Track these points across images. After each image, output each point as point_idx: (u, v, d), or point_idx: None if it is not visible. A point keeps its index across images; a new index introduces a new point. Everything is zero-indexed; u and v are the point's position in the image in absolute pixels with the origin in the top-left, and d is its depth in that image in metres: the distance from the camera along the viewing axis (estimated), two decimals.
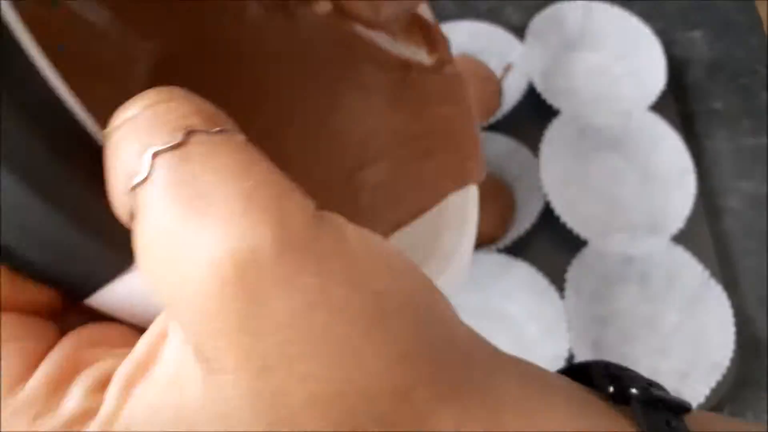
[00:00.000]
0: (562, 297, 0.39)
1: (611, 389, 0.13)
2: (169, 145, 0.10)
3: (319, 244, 0.10)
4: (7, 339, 0.12)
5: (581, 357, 0.37)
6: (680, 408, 0.13)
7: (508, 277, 0.40)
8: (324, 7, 0.23)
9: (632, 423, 0.13)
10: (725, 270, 0.42)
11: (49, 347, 0.12)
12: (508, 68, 0.48)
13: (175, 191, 0.10)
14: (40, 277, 0.12)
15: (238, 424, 0.10)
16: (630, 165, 0.45)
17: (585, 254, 0.40)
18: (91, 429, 0.11)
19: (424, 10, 0.25)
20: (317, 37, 0.23)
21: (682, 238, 0.40)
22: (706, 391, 0.36)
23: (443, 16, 0.52)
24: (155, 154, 0.10)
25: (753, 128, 0.47)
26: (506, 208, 0.44)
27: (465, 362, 0.11)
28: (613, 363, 0.15)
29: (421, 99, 0.24)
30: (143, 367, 0.11)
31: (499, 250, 0.41)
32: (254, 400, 0.10)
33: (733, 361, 0.37)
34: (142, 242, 0.11)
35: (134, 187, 0.10)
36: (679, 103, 0.48)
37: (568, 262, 0.39)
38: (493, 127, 0.45)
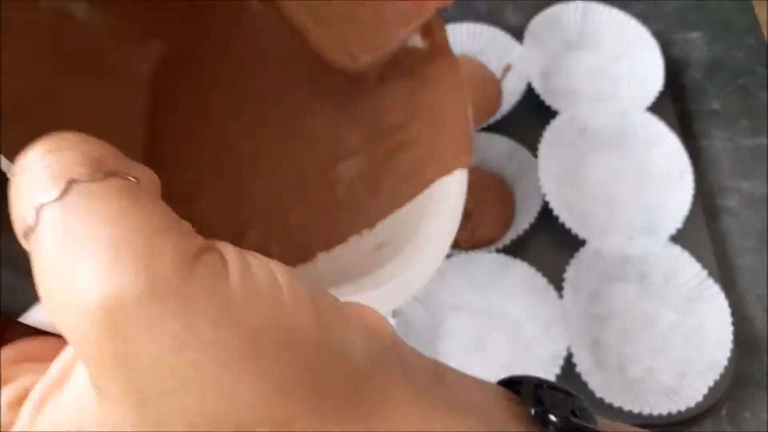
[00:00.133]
0: (561, 296, 0.39)
1: (533, 411, 0.14)
2: (51, 199, 0.11)
3: (189, 287, 0.11)
4: None
5: (580, 356, 0.37)
6: None
7: (507, 277, 0.40)
8: None
9: None
10: (723, 269, 0.42)
11: None
12: (507, 69, 0.48)
13: (56, 242, 0.11)
14: None
15: None
16: (628, 165, 0.45)
17: (583, 254, 0.40)
18: None
19: None
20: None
21: (680, 237, 0.40)
22: (704, 390, 0.36)
23: (443, 18, 0.53)
24: (39, 208, 0.11)
25: (751, 128, 0.48)
26: (506, 209, 0.44)
27: (358, 391, 0.12)
28: (548, 382, 0.15)
29: (407, 85, 0.24)
30: (56, 385, 0.12)
31: (498, 250, 0.41)
32: (139, 426, 0.11)
33: (731, 360, 0.37)
34: (36, 280, 0.11)
35: (26, 235, 0.11)
36: (677, 104, 0.48)
37: (566, 262, 0.40)
38: (493, 128, 0.45)
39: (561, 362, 0.37)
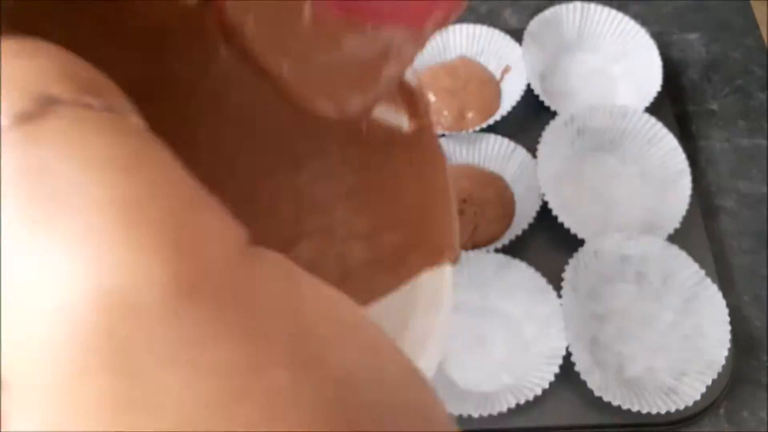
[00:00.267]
0: (560, 296, 0.39)
1: None
2: (14, 117, 0.07)
3: (245, 285, 0.07)
4: None
5: (578, 355, 0.37)
6: None
7: (506, 277, 0.41)
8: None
9: None
10: (721, 269, 0.42)
11: None
12: (506, 70, 0.48)
13: (17, 183, 0.07)
14: None
15: None
16: (626, 165, 0.45)
17: (582, 253, 0.40)
18: None
19: (407, 73, 0.22)
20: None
21: (678, 237, 0.40)
22: (702, 389, 0.37)
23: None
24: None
25: (749, 129, 0.48)
26: (506, 208, 0.44)
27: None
28: None
29: (390, 168, 0.22)
30: None
31: (497, 250, 0.41)
32: None
33: (729, 359, 0.37)
34: None
35: None
36: (675, 105, 0.48)
37: (565, 262, 0.40)
38: (492, 129, 0.45)
39: (560, 361, 0.37)
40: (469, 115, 0.47)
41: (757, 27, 0.51)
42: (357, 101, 0.18)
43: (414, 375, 0.08)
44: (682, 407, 0.36)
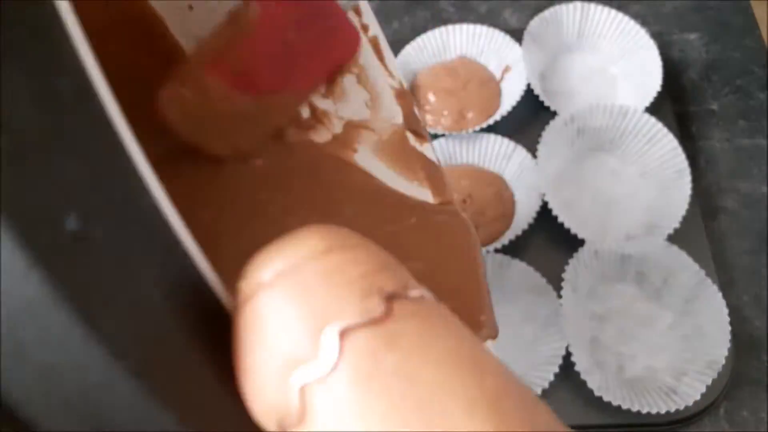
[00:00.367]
0: (559, 296, 0.39)
1: None
2: (363, 321, 0.07)
3: None
4: None
5: (578, 355, 0.37)
6: None
7: (506, 277, 0.41)
8: (323, 135, 0.23)
9: None
10: (721, 269, 0.42)
11: None
12: (506, 70, 0.48)
13: (386, 394, 0.07)
14: None
15: None
16: (626, 165, 0.45)
17: (582, 253, 0.40)
18: None
19: (428, 151, 0.23)
20: (307, 166, 0.22)
21: (677, 237, 0.40)
22: (702, 389, 0.37)
23: (443, 19, 0.53)
24: (343, 334, 0.07)
25: (749, 129, 0.48)
26: (506, 208, 0.44)
27: None
28: None
29: (422, 236, 0.22)
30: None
31: (497, 250, 0.41)
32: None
33: (729, 359, 0.37)
34: None
35: (303, 383, 0.07)
36: (675, 104, 0.48)
37: (565, 261, 0.40)
38: (492, 128, 0.45)
39: (560, 361, 0.37)
40: (469, 114, 0.47)
41: (757, 27, 0.51)
42: (246, 143, 0.21)
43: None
44: (682, 407, 0.36)
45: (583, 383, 0.37)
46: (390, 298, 0.07)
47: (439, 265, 0.21)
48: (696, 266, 0.39)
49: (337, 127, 0.23)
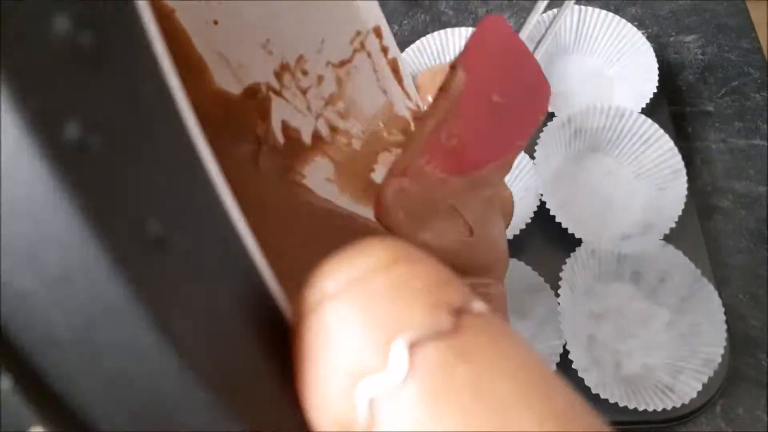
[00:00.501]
0: (557, 295, 0.39)
1: None
2: (433, 333, 0.07)
3: None
4: None
5: (576, 353, 0.38)
6: None
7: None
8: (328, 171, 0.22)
9: None
10: (717, 268, 0.43)
11: None
12: None
13: (458, 407, 0.07)
14: None
15: None
16: (623, 166, 0.46)
17: (579, 253, 0.41)
18: None
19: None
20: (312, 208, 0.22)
21: (674, 237, 0.41)
22: (699, 387, 0.37)
23: (442, 22, 0.54)
24: (412, 346, 0.07)
25: (744, 130, 0.48)
26: (506, 208, 0.45)
27: None
28: None
29: None
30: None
31: None
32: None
33: (725, 357, 0.38)
34: None
35: (372, 395, 0.07)
36: (671, 106, 0.49)
37: (562, 261, 0.40)
38: None
39: (557, 359, 0.38)
40: None
41: (753, 29, 0.52)
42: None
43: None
44: (678, 405, 0.37)
45: (581, 381, 0.37)
46: (457, 312, 0.07)
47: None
48: (692, 265, 0.40)
49: (357, 147, 0.23)
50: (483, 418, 0.07)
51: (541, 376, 0.07)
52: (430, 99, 0.49)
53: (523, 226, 0.42)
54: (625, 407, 0.37)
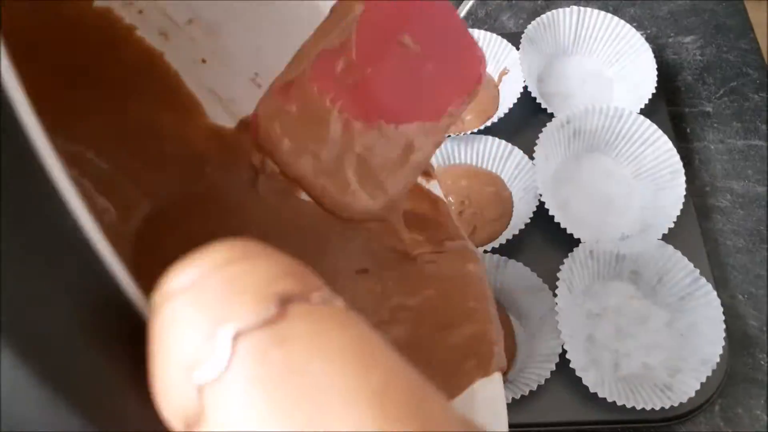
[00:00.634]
0: (555, 295, 0.40)
1: None
2: (257, 322, 0.07)
3: None
4: None
5: (574, 353, 0.38)
6: None
7: (502, 276, 0.41)
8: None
9: None
10: (715, 268, 0.43)
11: None
12: (503, 73, 0.49)
13: (271, 390, 0.07)
14: None
15: None
16: (622, 166, 0.46)
17: (577, 253, 0.41)
18: None
19: (434, 188, 0.23)
20: (314, 220, 0.21)
21: (672, 237, 0.41)
22: (697, 386, 0.37)
23: None
24: (236, 336, 0.07)
25: (743, 130, 0.48)
26: (504, 208, 0.45)
27: None
28: None
29: (430, 272, 0.22)
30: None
31: (494, 249, 0.42)
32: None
33: (723, 357, 0.38)
34: None
35: (201, 383, 0.07)
36: (669, 106, 0.49)
37: (561, 261, 0.40)
38: (490, 130, 0.46)
39: (556, 359, 0.38)
40: (467, 117, 0.48)
41: (751, 30, 0.52)
42: (383, 197, 0.18)
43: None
44: (677, 404, 0.37)
45: (579, 380, 0.37)
46: (285, 302, 0.08)
47: (450, 294, 0.21)
48: (690, 265, 0.40)
49: None
50: (292, 399, 0.07)
51: (362, 357, 0.07)
52: None
53: (522, 227, 0.42)
54: (624, 406, 0.37)
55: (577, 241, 0.41)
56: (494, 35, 0.49)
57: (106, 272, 0.08)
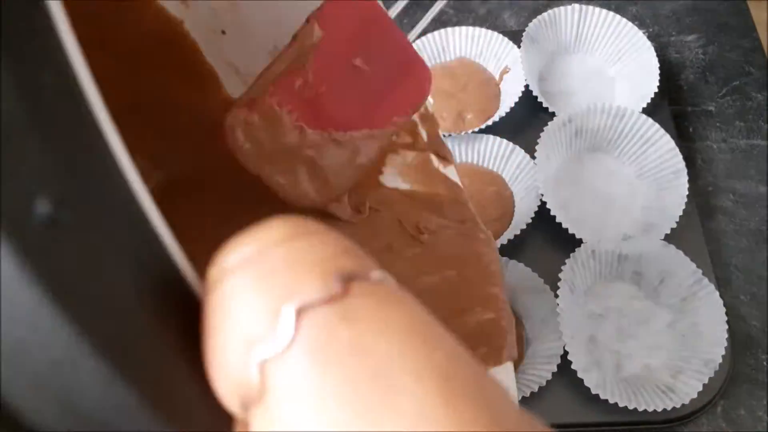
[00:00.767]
0: (557, 295, 0.39)
1: None
2: (321, 299, 0.07)
3: None
4: None
5: (575, 354, 0.38)
6: None
7: (504, 276, 0.41)
8: None
9: None
10: (718, 269, 0.43)
11: None
12: (505, 71, 0.49)
13: (339, 368, 0.07)
14: None
15: None
16: (624, 166, 0.46)
17: (579, 253, 0.41)
18: None
19: (450, 172, 0.24)
20: None
21: (674, 237, 0.41)
22: (699, 387, 0.37)
23: (442, 21, 0.53)
24: (300, 312, 0.07)
25: (746, 129, 0.48)
26: (506, 208, 0.45)
27: None
28: None
29: (448, 254, 0.22)
30: None
31: None
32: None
33: (726, 358, 0.38)
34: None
35: (262, 360, 0.07)
36: (672, 105, 0.48)
37: (562, 261, 0.40)
38: (491, 129, 0.46)
39: (558, 360, 0.38)
40: (468, 116, 0.48)
41: (754, 28, 0.52)
42: (328, 192, 0.21)
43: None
44: (679, 405, 0.37)
45: (581, 381, 0.37)
46: (349, 279, 0.08)
47: (468, 276, 0.22)
48: (693, 265, 0.40)
49: None
50: (363, 375, 0.07)
51: (425, 337, 0.07)
52: (430, 99, 0.49)
53: (524, 226, 0.42)
54: (626, 408, 0.36)
55: (579, 242, 0.41)
56: (495, 33, 0.49)
57: (161, 247, 0.08)
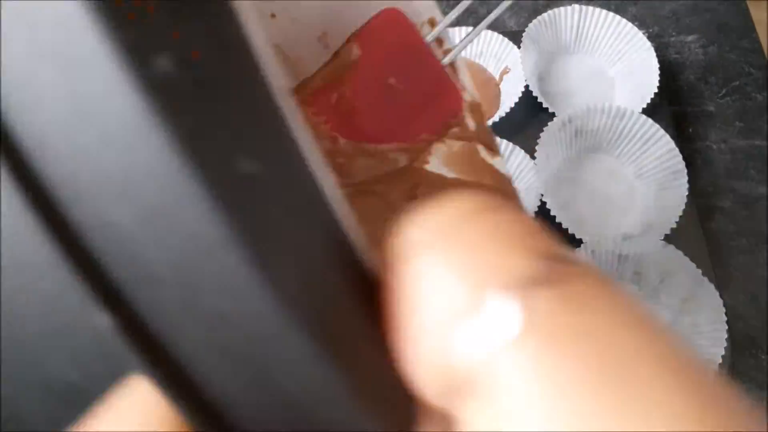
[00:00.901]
0: None
1: None
2: (536, 280, 0.07)
3: None
4: None
5: None
6: None
7: None
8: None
9: None
10: (717, 269, 0.43)
11: None
12: (505, 72, 0.49)
13: (573, 357, 0.06)
14: None
15: None
16: (624, 166, 0.46)
17: (579, 253, 0.41)
18: None
19: (498, 164, 0.24)
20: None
21: (674, 237, 0.41)
22: None
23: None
24: (511, 293, 0.07)
25: (745, 130, 0.48)
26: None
27: None
28: None
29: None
30: None
31: None
32: None
33: (726, 357, 0.38)
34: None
35: (471, 346, 0.06)
36: (672, 106, 0.49)
37: None
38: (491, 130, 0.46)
39: None
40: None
41: (754, 29, 0.52)
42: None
43: None
44: None
45: None
46: (551, 259, 0.07)
47: None
48: (693, 266, 0.40)
49: None
50: (602, 369, 0.06)
51: (655, 329, 0.07)
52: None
53: None
54: None
55: (579, 242, 0.41)
56: (495, 34, 0.49)
57: (335, 216, 0.08)
